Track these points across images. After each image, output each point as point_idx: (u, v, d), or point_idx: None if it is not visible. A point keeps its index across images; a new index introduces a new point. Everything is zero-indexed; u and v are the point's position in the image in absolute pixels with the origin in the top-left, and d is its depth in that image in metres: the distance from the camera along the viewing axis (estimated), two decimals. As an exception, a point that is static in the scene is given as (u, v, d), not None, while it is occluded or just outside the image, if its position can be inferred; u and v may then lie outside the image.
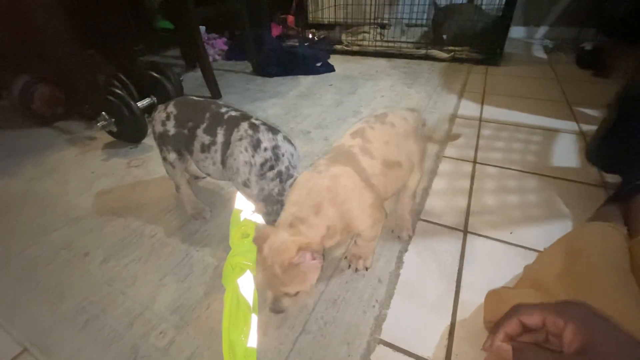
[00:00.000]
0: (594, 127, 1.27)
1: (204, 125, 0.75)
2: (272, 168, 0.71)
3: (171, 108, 0.80)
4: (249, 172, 0.72)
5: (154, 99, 1.40)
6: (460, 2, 2.45)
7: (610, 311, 0.35)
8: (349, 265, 0.76)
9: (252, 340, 0.60)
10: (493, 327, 0.55)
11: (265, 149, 0.71)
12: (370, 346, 0.61)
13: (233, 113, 0.76)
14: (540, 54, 2.31)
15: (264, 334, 0.63)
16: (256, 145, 0.71)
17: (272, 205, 0.73)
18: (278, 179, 0.72)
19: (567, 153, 1.14)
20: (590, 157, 0.98)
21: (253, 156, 0.71)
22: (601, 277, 0.53)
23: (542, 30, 2.63)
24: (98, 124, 1.23)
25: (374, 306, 0.67)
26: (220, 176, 0.80)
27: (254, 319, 0.63)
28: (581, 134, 1.25)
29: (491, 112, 1.45)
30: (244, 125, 0.73)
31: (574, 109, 1.45)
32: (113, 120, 1.23)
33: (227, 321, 0.61)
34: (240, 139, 0.72)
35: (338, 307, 0.67)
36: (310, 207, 0.57)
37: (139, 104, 1.31)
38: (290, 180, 0.73)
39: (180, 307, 0.69)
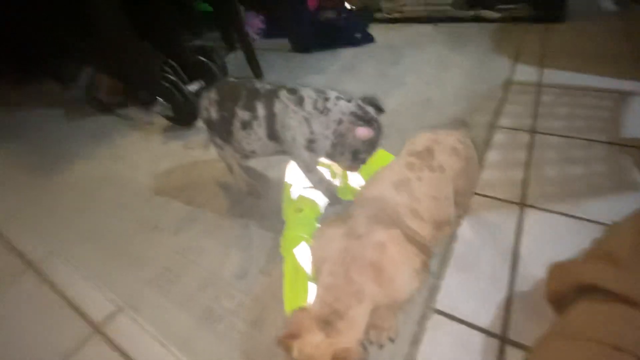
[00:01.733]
0: (677, 87, 1.13)
1: (241, 103, 0.77)
2: (326, 100, 0.72)
3: (213, 94, 0.82)
4: (308, 126, 0.72)
5: (203, 82, 1.46)
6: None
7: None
8: (371, 342, 0.61)
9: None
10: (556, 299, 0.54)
11: (309, 95, 0.73)
12: (426, 315, 0.63)
13: (268, 87, 0.78)
14: (609, 5, 2.02)
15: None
16: (300, 101, 0.73)
17: (340, 155, 0.75)
18: (341, 101, 0.73)
19: (642, 118, 1.03)
20: None
21: (304, 109, 0.72)
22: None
23: (615, -24, 2.28)
24: (156, 110, 1.32)
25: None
26: (266, 151, 0.81)
27: (312, 286, 0.67)
28: (661, 95, 1.11)
29: (552, 76, 1.32)
30: (283, 93, 0.75)
31: (653, 67, 1.27)
32: (169, 105, 1.32)
33: (288, 288, 0.67)
34: (286, 107, 0.73)
35: (392, 277, 0.70)
36: (351, 295, 0.46)
37: (190, 87, 1.38)
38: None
39: (245, 274, 0.76)
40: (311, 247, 0.59)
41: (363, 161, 0.77)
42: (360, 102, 0.74)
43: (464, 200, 0.66)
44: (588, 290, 0.49)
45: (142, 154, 1.29)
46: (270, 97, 0.75)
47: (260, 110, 0.75)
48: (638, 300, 0.43)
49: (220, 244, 0.85)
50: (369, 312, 0.47)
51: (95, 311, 0.75)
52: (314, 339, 0.44)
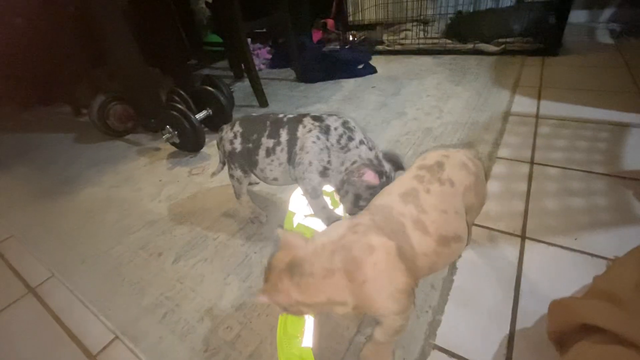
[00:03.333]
0: (674, 120, 1.15)
1: (267, 133, 0.81)
2: (350, 139, 0.75)
3: (237, 127, 0.86)
4: (328, 156, 0.75)
5: (210, 110, 1.52)
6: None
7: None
8: None
9: (307, 340, 0.64)
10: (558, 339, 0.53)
11: (336, 128, 0.76)
12: (425, 351, 0.61)
13: (290, 116, 0.82)
14: (606, 39, 2.09)
15: (319, 334, 0.67)
16: (326, 130, 0.76)
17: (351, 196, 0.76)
18: (363, 146, 0.75)
19: (641, 150, 1.04)
20: None
21: (328, 139, 0.75)
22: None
23: (607, 12, 2.38)
24: (163, 137, 1.36)
25: (427, 311, 0.68)
26: (286, 178, 0.84)
27: (310, 319, 0.67)
28: (659, 128, 1.13)
29: (549, 107, 1.36)
30: (307, 119, 0.79)
31: (649, 99, 1.30)
32: (176, 132, 1.36)
33: (282, 323, 0.65)
34: (310, 131, 0.76)
35: (391, 311, 0.69)
36: (322, 269, 0.49)
37: (197, 116, 1.43)
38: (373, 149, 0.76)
39: (243, 304, 0.75)
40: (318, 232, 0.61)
41: (361, 208, 0.78)
42: (380, 154, 0.77)
43: (471, 219, 0.65)
44: (589, 331, 0.48)
45: (148, 179, 1.31)
46: (293, 123, 0.80)
47: (284, 135, 0.79)
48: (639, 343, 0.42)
49: (220, 273, 0.85)
50: (326, 297, 0.49)
51: (92, 340, 0.74)
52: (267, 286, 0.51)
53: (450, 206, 0.56)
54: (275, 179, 0.85)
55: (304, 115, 0.81)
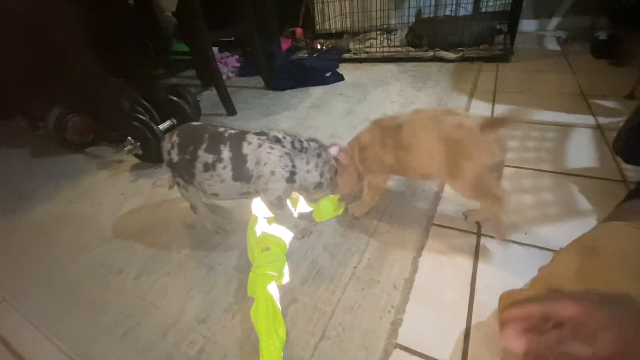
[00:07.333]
0: (611, 119, 1.25)
1: (204, 146, 0.78)
2: (300, 142, 0.83)
3: (174, 137, 0.83)
4: (290, 160, 0.80)
5: (174, 120, 1.49)
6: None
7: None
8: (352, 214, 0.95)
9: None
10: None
11: (284, 137, 0.81)
12: (387, 350, 0.63)
13: (231, 131, 0.81)
14: (553, 46, 2.26)
15: (285, 341, 0.67)
16: (276, 140, 0.80)
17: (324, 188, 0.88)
18: (312, 142, 0.85)
19: (583, 148, 1.13)
20: (617, 148, 0.96)
21: (283, 146, 0.79)
22: (617, 277, 0.53)
23: (555, 21, 2.57)
24: (125, 148, 1.32)
25: (389, 311, 0.70)
26: (229, 193, 0.82)
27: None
28: (598, 127, 1.23)
29: (503, 110, 1.44)
30: (251, 136, 0.80)
31: (590, 101, 1.42)
32: (138, 144, 1.32)
33: (263, 325, 0.65)
34: (260, 145, 0.78)
35: (355, 313, 0.70)
36: None
37: (161, 126, 1.39)
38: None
39: (207, 317, 0.74)
40: None
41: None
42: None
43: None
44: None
45: (109, 192, 1.26)
46: (235, 139, 0.79)
47: (225, 152, 0.78)
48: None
49: (183, 286, 0.83)
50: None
51: (44, 366, 0.70)
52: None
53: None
54: (214, 194, 0.83)
55: (246, 132, 0.81)
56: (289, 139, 0.81)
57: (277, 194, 0.80)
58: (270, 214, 0.89)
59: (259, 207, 0.92)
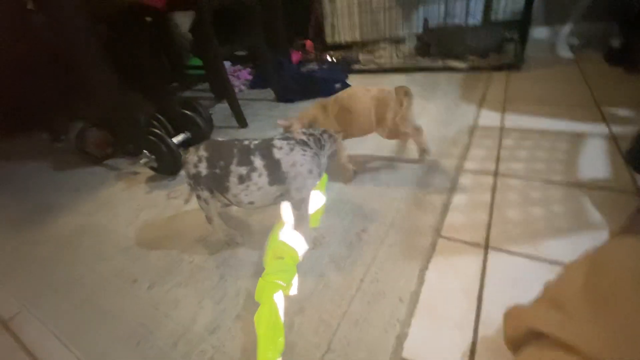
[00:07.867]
0: (625, 129, 1.23)
1: (235, 160, 0.83)
2: (315, 137, 0.89)
3: (202, 151, 0.87)
4: (319, 159, 0.87)
5: (188, 134, 1.54)
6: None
7: (632, 331, 0.35)
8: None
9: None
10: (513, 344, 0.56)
11: (308, 137, 0.87)
12: (393, 364, 0.63)
13: (255, 142, 0.87)
14: (566, 53, 2.23)
15: (291, 353, 0.68)
16: (303, 143, 0.85)
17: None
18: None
19: (596, 158, 1.10)
20: (628, 157, 0.94)
21: (312, 148, 0.86)
22: (627, 293, 0.52)
23: (567, 28, 2.54)
24: (141, 161, 1.37)
25: (395, 325, 0.70)
26: (265, 199, 0.87)
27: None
28: (611, 136, 1.20)
29: (513, 120, 1.43)
30: (278, 142, 0.85)
31: (604, 110, 1.39)
32: (154, 157, 1.37)
33: (263, 331, 0.67)
34: (292, 149, 0.84)
35: (360, 327, 0.71)
36: None
37: (175, 140, 1.45)
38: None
39: (217, 328, 0.76)
40: None
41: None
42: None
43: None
44: (538, 336, 0.51)
45: (125, 204, 1.31)
46: (264, 148, 0.85)
47: (257, 161, 0.83)
48: (578, 349, 0.44)
49: (194, 296, 0.85)
50: None
51: (62, 374, 0.73)
52: None
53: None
54: (251, 203, 0.87)
55: (270, 140, 0.86)
56: (311, 138, 0.87)
57: (307, 192, 0.88)
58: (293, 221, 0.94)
59: (287, 213, 0.96)
